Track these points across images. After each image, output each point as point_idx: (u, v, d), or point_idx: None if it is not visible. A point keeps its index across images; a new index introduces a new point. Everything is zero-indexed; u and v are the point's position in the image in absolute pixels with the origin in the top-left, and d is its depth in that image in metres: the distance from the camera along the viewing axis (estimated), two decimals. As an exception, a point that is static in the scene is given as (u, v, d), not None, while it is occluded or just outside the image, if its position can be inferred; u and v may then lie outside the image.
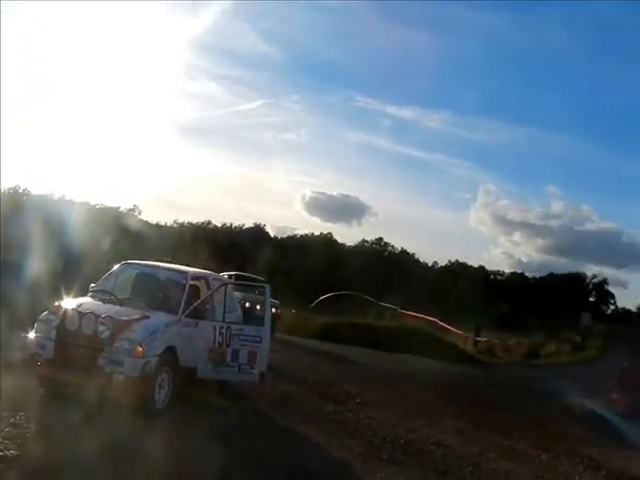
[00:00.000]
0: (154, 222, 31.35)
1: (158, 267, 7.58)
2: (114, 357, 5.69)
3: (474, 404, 10.39)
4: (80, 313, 5.92)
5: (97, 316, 5.86)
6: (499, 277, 68.97)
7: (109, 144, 42.92)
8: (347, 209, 76.84)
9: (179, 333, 6.43)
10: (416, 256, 65.66)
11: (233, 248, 26.66)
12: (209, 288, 7.51)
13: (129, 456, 4.80)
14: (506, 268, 71.42)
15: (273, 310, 16.20)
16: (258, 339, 7.06)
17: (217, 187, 50.74)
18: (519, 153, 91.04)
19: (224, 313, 7.69)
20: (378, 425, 7.44)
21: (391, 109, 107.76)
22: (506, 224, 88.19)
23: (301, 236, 54.01)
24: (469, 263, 66.74)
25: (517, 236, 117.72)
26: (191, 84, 49.36)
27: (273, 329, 16.25)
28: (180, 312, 6.56)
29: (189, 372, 6.59)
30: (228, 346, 6.99)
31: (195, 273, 7.51)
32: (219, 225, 35.27)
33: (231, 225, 35.40)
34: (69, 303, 6.24)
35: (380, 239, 66.26)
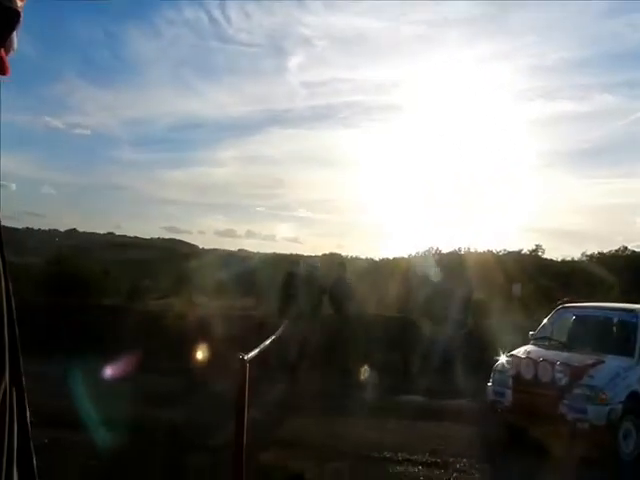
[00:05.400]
0: (559, 259, 30.23)
1: (600, 308, 7.45)
2: (576, 404, 5.70)
3: None
4: (534, 361, 6.19)
5: (552, 363, 6.03)
6: None
7: (500, 191, 44.19)
8: None
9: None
10: None
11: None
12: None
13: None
14: None
15: None
16: None
17: (630, 208, 44.53)
18: None
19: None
20: None
21: None
22: None
23: None
24: None
25: None
26: (581, 105, 45.77)
27: None
28: (637, 355, 6.19)
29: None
30: None
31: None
32: (638, 250, 31.01)
33: (656, 247, 30.60)
34: (518, 352, 6.64)
35: None
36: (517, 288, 17.22)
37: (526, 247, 31.60)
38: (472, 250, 30.25)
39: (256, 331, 8.75)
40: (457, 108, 45.85)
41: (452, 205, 45.54)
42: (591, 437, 5.62)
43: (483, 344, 9.97)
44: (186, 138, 59.78)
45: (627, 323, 6.64)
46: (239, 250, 29.54)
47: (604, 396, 5.62)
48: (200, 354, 7.24)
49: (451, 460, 5.65)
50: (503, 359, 6.66)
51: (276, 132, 56.45)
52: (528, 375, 6.18)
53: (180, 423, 5.96)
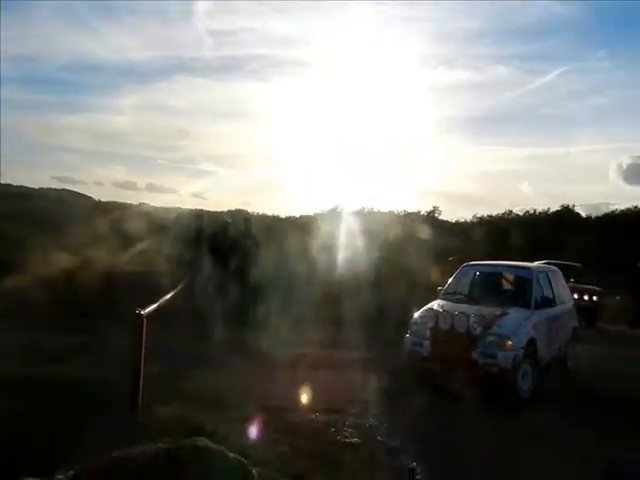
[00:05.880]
0: (454, 220, 31.90)
1: (500, 266, 8.12)
2: (487, 351, 6.24)
3: None
4: (451, 314, 6.65)
5: (467, 315, 6.52)
6: None
7: (401, 153, 45.55)
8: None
9: (535, 326, 6.72)
10: None
11: (540, 235, 25.23)
12: (549, 281, 7.76)
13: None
14: None
15: (594, 298, 14.65)
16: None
17: (515, 174, 48.05)
18: None
19: (561, 304, 7.98)
20: None
21: None
22: None
23: (621, 212, 46.60)
24: None
25: None
26: (477, 74, 47.57)
27: (594, 319, 14.59)
28: (532, 306, 6.91)
29: (542, 361, 6.85)
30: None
31: (537, 267, 7.84)
32: (521, 213, 33.68)
33: (534, 211, 33.39)
34: (432, 306, 7.09)
35: None
36: (415, 247, 17.90)
37: (424, 209, 32.93)
38: (375, 210, 30.86)
39: (157, 286, 8.37)
40: (364, 70, 46.17)
41: (357, 166, 46.47)
42: (498, 379, 6.23)
43: (384, 298, 10.31)
44: (82, 81, 54.68)
45: (523, 279, 7.38)
46: (140, 204, 28.05)
47: (511, 343, 6.22)
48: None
49: (347, 406, 5.92)
50: (418, 313, 7.05)
51: (182, 81, 53.23)
52: (445, 326, 6.62)
53: (76, 381, 5.72)
